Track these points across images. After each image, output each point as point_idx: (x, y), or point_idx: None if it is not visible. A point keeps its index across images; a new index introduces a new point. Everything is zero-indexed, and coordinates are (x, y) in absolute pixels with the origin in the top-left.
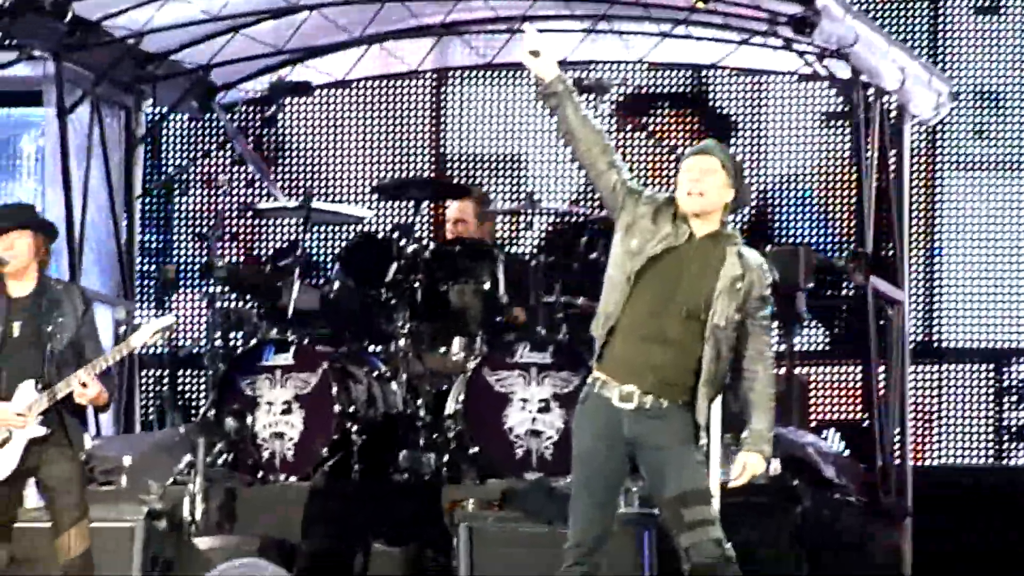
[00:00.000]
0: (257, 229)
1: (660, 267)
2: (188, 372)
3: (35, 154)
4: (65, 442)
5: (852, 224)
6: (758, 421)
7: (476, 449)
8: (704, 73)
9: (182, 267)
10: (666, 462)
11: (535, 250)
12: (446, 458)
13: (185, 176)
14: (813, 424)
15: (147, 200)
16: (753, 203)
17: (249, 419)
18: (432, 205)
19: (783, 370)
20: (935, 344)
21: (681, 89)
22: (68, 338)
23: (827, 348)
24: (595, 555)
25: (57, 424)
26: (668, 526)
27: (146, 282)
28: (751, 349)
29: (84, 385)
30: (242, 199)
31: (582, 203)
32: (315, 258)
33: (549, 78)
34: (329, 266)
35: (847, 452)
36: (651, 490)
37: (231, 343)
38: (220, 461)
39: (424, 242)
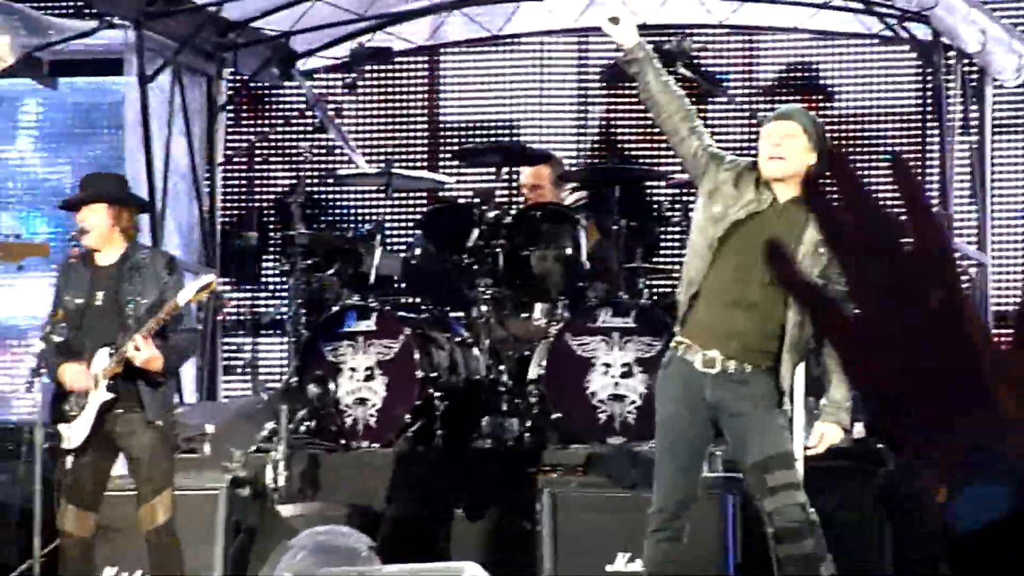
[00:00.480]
0: (338, 196)
1: (743, 232)
2: (270, 339)
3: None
4: (138, 409)
5: (934, 188)
6: (836, 390)
7: (558, 414)
8: (784, 36)
9: (264, 234)
10: (749, 427)
11: (616, 215)
12: (528, 424)
13: (266, 143)
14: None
15: (229, 167)
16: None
17: (331, 386)
18: (513, 171)
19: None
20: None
21: (760, 53)
22: (148, 305)
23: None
24: (678, 520)
25: (130, 391)
26: (752, 491)
27: (227, 250)
28: None
29: (137, 348)
30: (323, 166)
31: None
32: (396, 224)
33: (629, 44)
34: (410, 232)
35: None
36: (734, 455)
37: (313, 310)
38: (303, 428)
39: (505, 207)
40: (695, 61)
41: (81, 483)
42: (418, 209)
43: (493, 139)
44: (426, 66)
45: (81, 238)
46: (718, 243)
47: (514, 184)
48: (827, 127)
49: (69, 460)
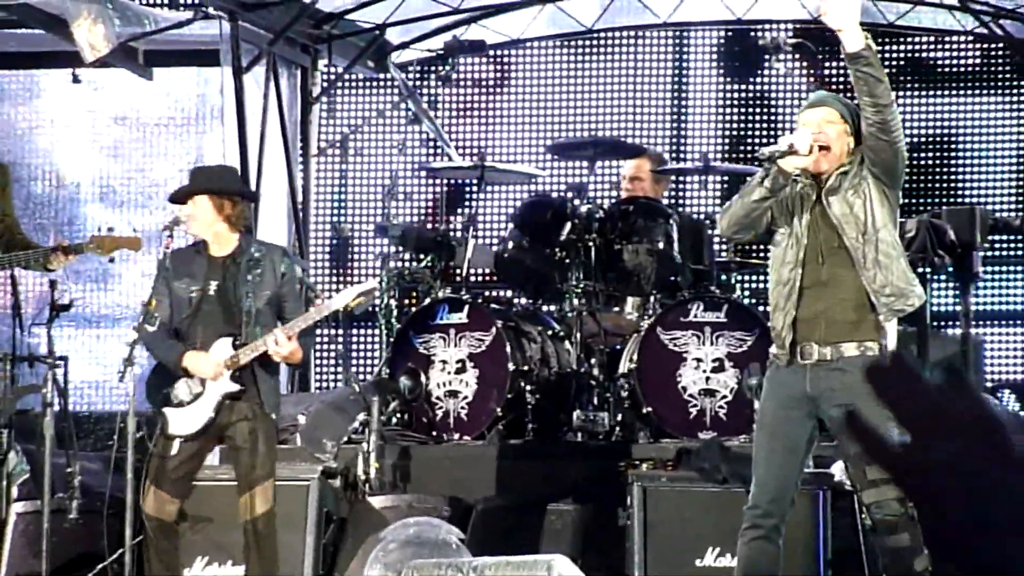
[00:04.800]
0: (432, 188)
1: (811, 226)
2: (363, 331)
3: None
4: (258, 402)
5: None
6: None
7: (649, 408)
8: (879, 32)
9: (357, 226)
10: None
11: (709, 210)
12: (619, 417)
13: (360, 135)
14: (989, 384)
15: (323, 159)
16: (927, 163)
17: (423, 378)
18: (606, 165)
19: (958, 330)
20: None
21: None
22: (267, 298)
23: (1003, 308)
24: (771, 518)
25: (251, 383)
26: (853, 482)
27: (321, 240)
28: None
29: (278, 343)
30: (416, 158)
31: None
32: (489, 217)
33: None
34: (503, 225)
35: (1023, 413)
36: (837, 446)
37: (405, 302)
38: (394, 420)
39: (598, 201)
40: (791, 57)
41: (177, 469)
42: (511, 202)
43: (587, 132)
44: (520, 59)
45: (175, 229)
46: (803, 255)
47: (607, 178)
48: (930, 124)
49: (175, 445)
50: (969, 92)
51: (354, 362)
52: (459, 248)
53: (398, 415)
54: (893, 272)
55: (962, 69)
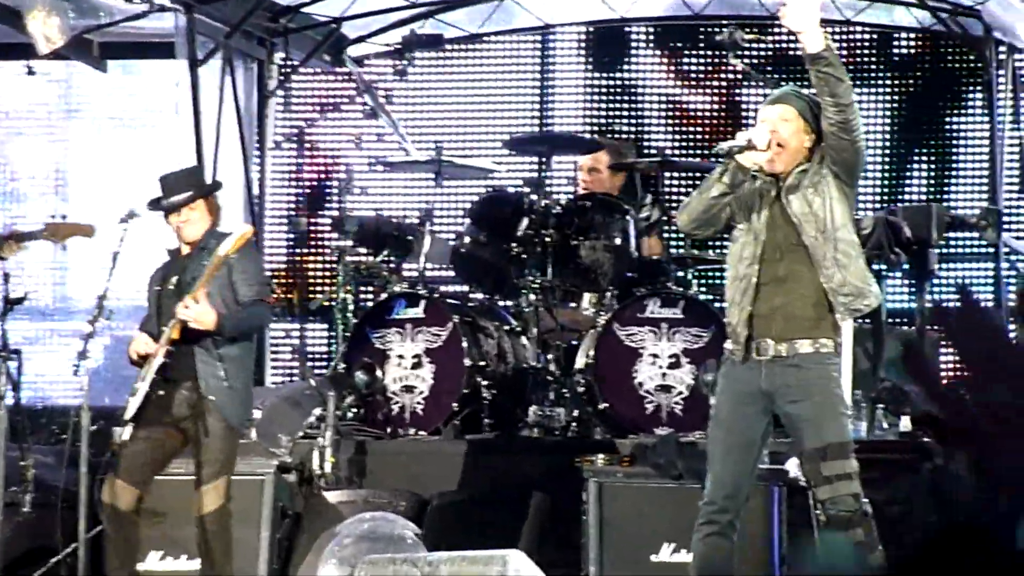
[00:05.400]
0: (388, 183)
1: (771, 223)
2: (318, 325)
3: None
4: (193, 386)
5: (984, 181)
6: None
7: (606, 404)
8: (836, 29)
9: (312, 220)
10: (805, 415)
11: (667, 206)
12: (575, 413)
13: (317, 129)
14: (945, 381)
15: (278, 152)
16: (884, 160)
17: (379, 373)
18: (563, 160)
19: (915, 328)
20: None
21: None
22: (218, 283)
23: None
24: (727, 513)
25: (188, 362)
26: (807, 478)
27: (276, 234)
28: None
29: (187, 307)
30: (373, 153)
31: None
32: (445, 212)
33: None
34: (460, 220)
35: None
36: (792, 441)
37: (362, 297)
38: (350, 415)
39: (555, 196)
40: (747, 52)
41: (134, 458)
42: (468, 197)
43: (543, 127)
44: (477, 54)
45: (131, 221)
46: (760, 252)
47: (565, 173)
48: (886, 121)
49: (127, 431)
50: (925, 89)
51: (310, 357)
52: (415, 243)
53: (354, 410)
54: (851, 271)
55: (918, 65)
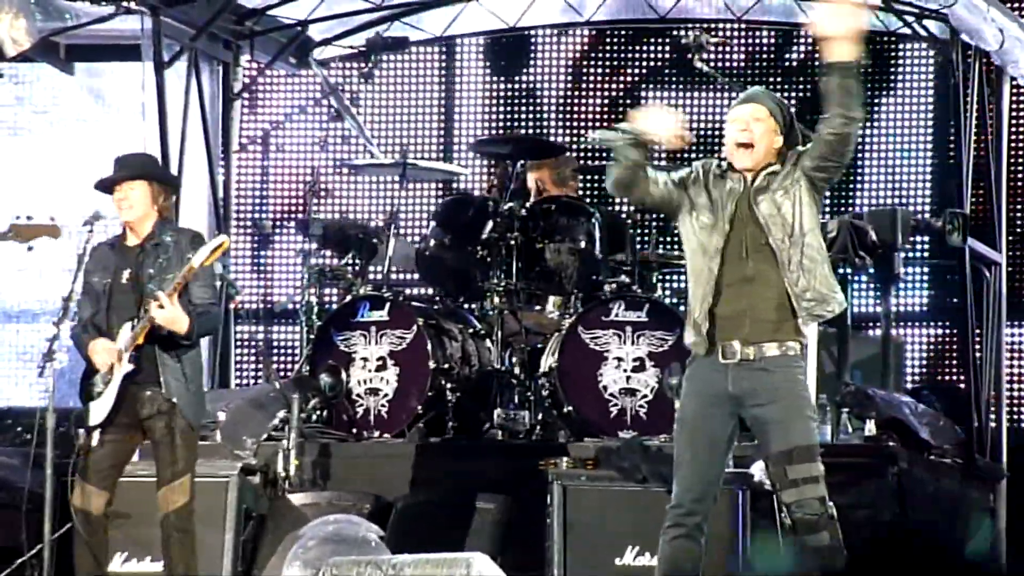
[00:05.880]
0: (353, 185)
1: (736, 222)
2: (283, 327)
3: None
4: (157, 388)
5: (950, 185)
6: None
7: (570, 407)
8: (801, 31)
9: (278, 222)
10: (771, 418)
11: (631, 209)
12: (540, 416)
13: (282, 131)
14: (909, 386)
15: (244, 155)
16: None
17: (344, 375)
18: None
19: (879, 331)
20: None
21: (777, 48)
22: (172, 281)
23: (924, 310)
24: (695, 516)
25: (151, 365)
26: (773, 481)
27: (242, 236)
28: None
29: (161, 307)
30: (338, 155)
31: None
32: (411, 215)
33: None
34: (425, 223)
35: (943, 414)
36: (758, 445)
37: (326, 299)
38: (315, 417)
39: (520, 200)
40: (711, 55)
41: (101, 461)
42: (433, 200)
43: (508, 131)
44: (443, 57)
45: (96, 223)
46: (723, 246)
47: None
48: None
49: (94, 438)
50: (892, 92)
51: (275, 359)
52: (380, 246)
53: (318, 412)
54: (816, 277)
55: (887, 68)
